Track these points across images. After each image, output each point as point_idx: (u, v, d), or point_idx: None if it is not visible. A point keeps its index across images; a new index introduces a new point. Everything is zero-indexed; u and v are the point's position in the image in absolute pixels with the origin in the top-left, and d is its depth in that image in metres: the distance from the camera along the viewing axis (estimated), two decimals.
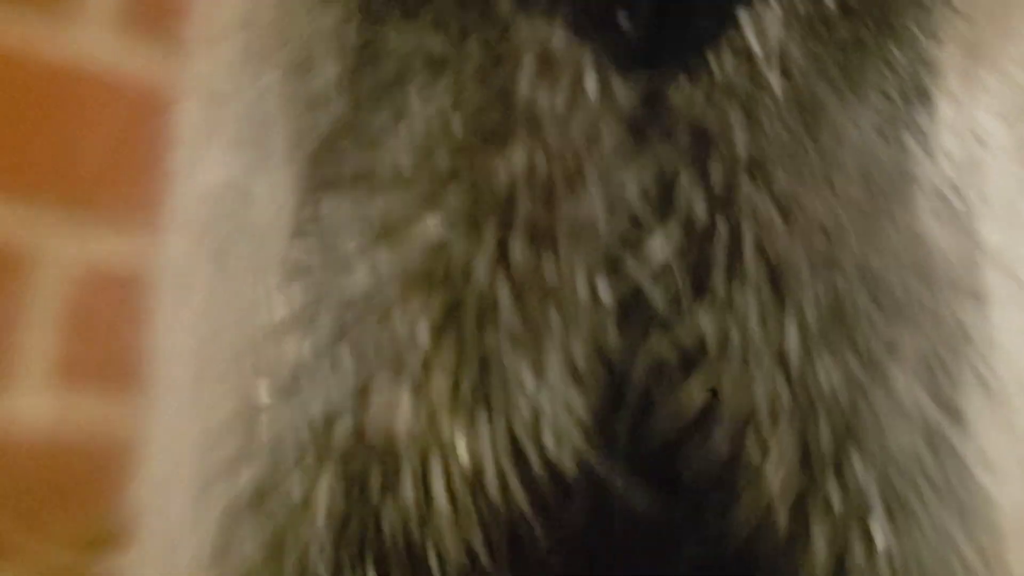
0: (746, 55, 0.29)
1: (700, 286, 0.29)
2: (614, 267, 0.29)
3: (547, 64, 0.29)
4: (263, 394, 0.30)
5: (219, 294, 0.33)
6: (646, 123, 0.29)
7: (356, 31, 0.30)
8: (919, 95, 0.30)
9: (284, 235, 0.31)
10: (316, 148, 0.31)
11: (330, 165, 0.30)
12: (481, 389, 0.29)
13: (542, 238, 0.29)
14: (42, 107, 0.96)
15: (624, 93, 0.29)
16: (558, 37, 0.29)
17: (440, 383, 0.29)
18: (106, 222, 0.99)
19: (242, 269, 0.32)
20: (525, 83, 0.29)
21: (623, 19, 0.29)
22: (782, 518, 0.29)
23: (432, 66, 0.30)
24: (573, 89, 0.29)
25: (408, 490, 0.29)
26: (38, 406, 0.98)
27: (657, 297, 0.29)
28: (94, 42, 0.98)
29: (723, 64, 0.29)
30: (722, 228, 0.29)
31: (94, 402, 1.00)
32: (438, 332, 0.29)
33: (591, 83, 0.29)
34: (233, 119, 0.33)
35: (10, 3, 0.94)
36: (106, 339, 0.92)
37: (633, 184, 0.29)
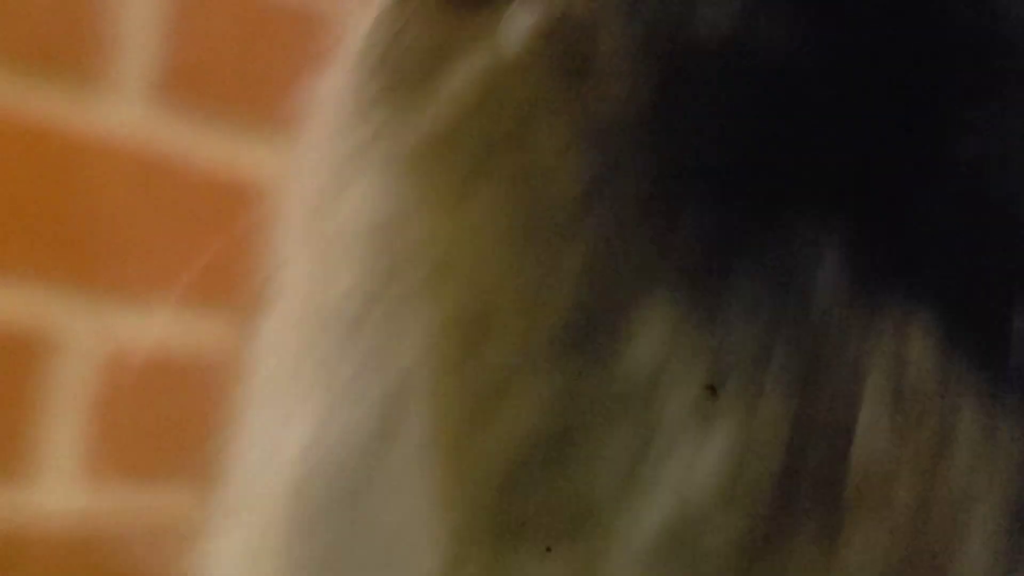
0: None
1: None
2: None
3: (901, 390, 0.17)
4: None
5: None
6: None
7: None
8: None
9: None
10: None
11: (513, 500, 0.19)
12: None
13: None
14: (67, 183, 0.94)
15: (1012, 437, 0.17)
16: (918, 348, 0.17)
17: None
18: (133, 305, 0.96)
19: None
20: (867, 417, 0.17)
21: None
22: None
23: (707, 385, 0.18)
24: (943, 432, 0.17)
25: None
26: (64, 499, 0.96)
27: None
28: (124, 117, 0.95)
29: None
30: None
31: (123, 493, 0.97)
32: None
33: (972, 422, 0.17)
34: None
35: (37, 75, 0.92)
36: (134, 426, 0.90)
37: None
